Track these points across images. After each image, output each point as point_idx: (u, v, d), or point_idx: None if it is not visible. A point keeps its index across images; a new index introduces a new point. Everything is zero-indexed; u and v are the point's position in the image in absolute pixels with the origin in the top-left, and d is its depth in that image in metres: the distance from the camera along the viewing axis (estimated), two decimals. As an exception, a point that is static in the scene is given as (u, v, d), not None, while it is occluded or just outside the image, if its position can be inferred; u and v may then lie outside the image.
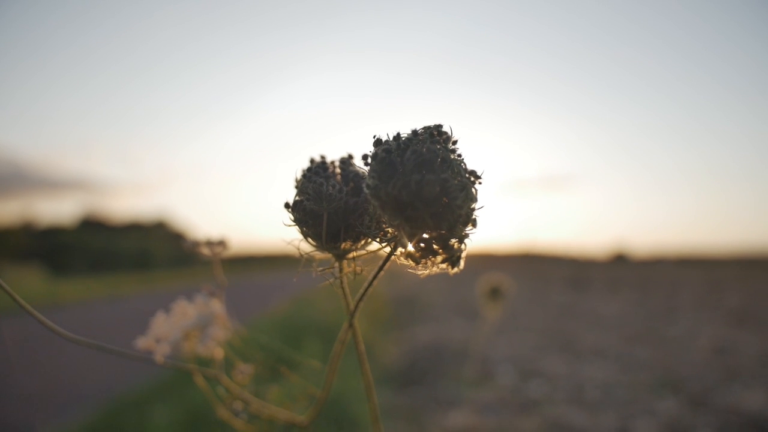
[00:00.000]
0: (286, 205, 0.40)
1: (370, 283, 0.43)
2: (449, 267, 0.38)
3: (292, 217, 0.39)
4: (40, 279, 19.88)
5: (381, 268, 0.41)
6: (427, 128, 0.37)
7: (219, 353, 0.48)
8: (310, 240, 0.41)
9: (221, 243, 0.53)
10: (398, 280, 13.10)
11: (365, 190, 0.37)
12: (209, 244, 0.53)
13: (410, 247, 0.37)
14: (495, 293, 0.85)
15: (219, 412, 0.52)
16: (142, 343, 0.45)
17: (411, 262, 0.38)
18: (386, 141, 0.37)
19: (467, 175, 0.37)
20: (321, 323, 5.50)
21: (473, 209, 0.37)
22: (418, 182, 0.35)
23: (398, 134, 0.37)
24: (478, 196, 0.38)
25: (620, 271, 21.36)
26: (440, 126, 0.38)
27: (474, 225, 0.37)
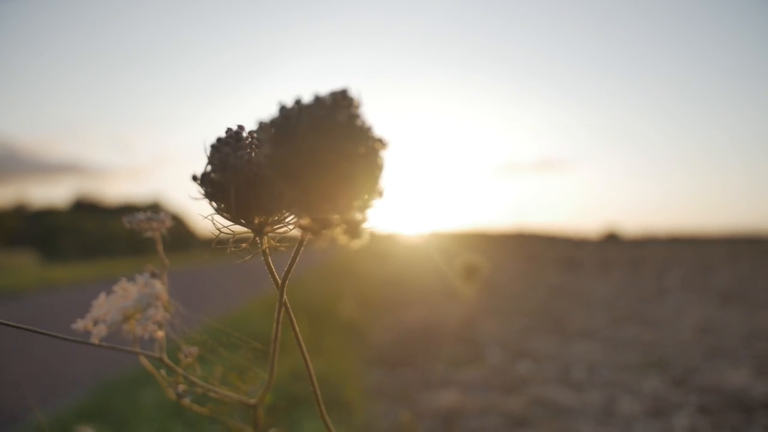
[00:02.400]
0: (194, 178, 0.38)
1: (293, 260, 0.42)
2: (349, 238, 0.36)
3: (201, 191, 0.37)
4: (33, 263, 19.80)
5: (301, 244, 0.39)
6: (332, 93, 0.36)
7: (160, 335, 0.47)
8: (223, 214, 0.39)
9: (162, 219, 0.51)
10: (388, 261, 13.13)
11: (261, 159, 0.36)
12: (150, 220, 0.51)
13: (307, 219, 0.36)
14: (470, 273, 0.84)
15: (168, 393, 0.51)
16: (80, 324, 0.43)
17: (309, 233, 0.37)
18: (287, 107, 0.35)
19: (372, 143, 0.36)
20: (310, 305, 5.50)
21: (377, 178, 0.36)
22: (312, 149, 0.33)
23: (299, 99, 0.35)
24: (383, 164, 0.36)
25: (612, 251, 21.49)
26: (345, 91, 0.36)
27: (379, 195, 0.36)
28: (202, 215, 0.38)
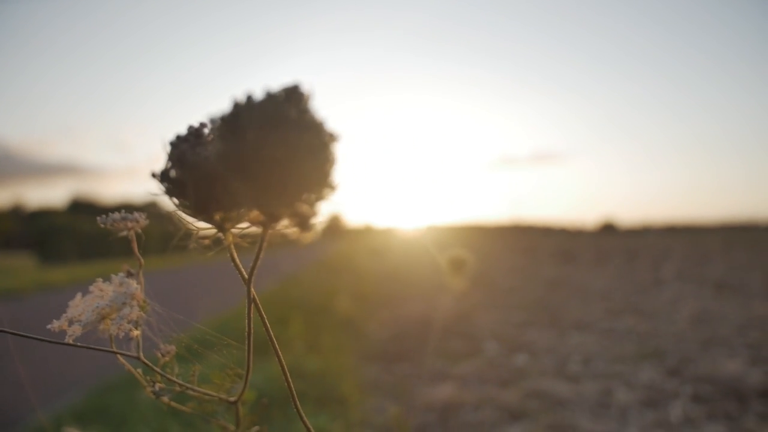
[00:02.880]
0: (153, 175, 0.38)
1: (257, 256, 0.42)
2: (299, 231, 0.37)
3: (163, 188, 0.38)
4: (31, 265, 19.72)
5: (263, 240, 0.40)
6: (284, 89, 0.36)
7: (135, 333, 0.47)
8: (185, 211, 0.39)
9: (136, 219, 0.51)
10: (384, 256, 13.14)
11: (210, 155, 0.36)
12: (124, 219, 0.51)
13: (256, 212, 0.36)
14: (458, 267, 0.85)
15: (147, 392, 0.51)
16: (55, 325, 0.44)
17: (260, 227, 0.37)
18: (238, 103, 0.36)
19: (323, 137, 0.36)
20: (306, 302, 5.51)
21: (328, 172, 0.36)
22: (261, 144, 0.33)
23: (250, 95, 0.36)
24: (334, 159, 0.37)
25: (608, 243, 21.56)
26: (296, 86, 0.36)
27: (330, 188, 0.36)
28: (168, 212, 0.39)
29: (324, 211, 0.36)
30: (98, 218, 0.49)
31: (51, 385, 3.89)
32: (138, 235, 0.52)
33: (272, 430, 2.31)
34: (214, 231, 0.39)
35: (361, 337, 4.34)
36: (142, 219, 0.52)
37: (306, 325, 4.44)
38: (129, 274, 0.51)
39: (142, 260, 0.54)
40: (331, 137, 0.36)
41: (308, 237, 0.37)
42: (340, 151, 0.36)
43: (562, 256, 14.03)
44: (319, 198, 0.35)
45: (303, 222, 0.35)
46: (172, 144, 0.38)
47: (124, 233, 0.51)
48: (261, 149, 0.33)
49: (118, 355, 0.49)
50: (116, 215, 0.51)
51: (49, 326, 0.44)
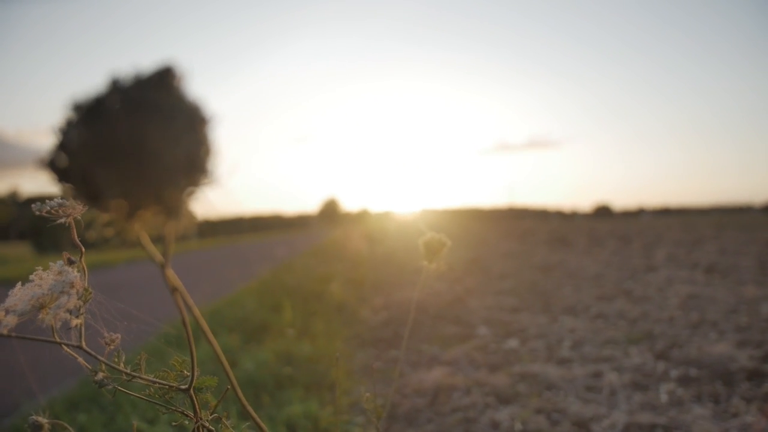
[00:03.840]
0: (40, 163, 0.36)
1: (168, 246, 0.40)
2: (166, 218, 0.35)
3: (54, 176, 0.36)
4: (29, 253, 19.67)
5: (172, 228, 0.38)
6: (155, 71, 0.34)
7: (76, 322, 0.46)
8: (80, 200, 0.38)
9: (73, 206, 0.50)
10: (379, 243, 13.13)
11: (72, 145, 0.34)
12: (60, 206, 0.50)
13: (120, 201, 0.35)
14: (434, 251, 0.84)
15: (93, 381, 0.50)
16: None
17: (125, 217, 0.36)
18: (102, 89, 0.34)
19: (196, 123, 0.35)
20: (300, 289, 5.51)
21: (198, 158, 0.35)
22: (123, 128, 0.32)
23: (116, 79, 0.34)
24: (207, 144, 0.35)
25: (601, 227, 21.62)
26: (168, 68, 0.35)
27: (203, 175, 0.35)
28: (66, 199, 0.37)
29: (199, 198, 0.35)
30: (33, 206, 0.47)
31: (44, 375, 3.89)
32: (78, 222, 0.51)
33: (261, 415, 2.31)
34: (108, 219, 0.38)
35: (354, 322, 4.35)
36: (80, 206, 0.50)
37: (299, 311, 4.45)
38: (69, 262, 0.50)
39: (83, 248, 0.53)
40: (204, 122, 0.34)
41: (180, 226, 0.36)
42: (214, 136, 0.35)
43: (556, 241, 14.06)
44: (190, 186, 0.34)
45: (170, 211, 0.34)
46: (60, 131, 0.36)
47: (62, 221, 0.49)
48: (125, 136, 0.32)
49: (62, 345, 0.47)
50: (53, 202, 0.49)
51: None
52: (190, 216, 0.34)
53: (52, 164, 0.35)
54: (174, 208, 0.33)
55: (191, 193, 0.34)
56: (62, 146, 0.35)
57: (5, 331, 0.44)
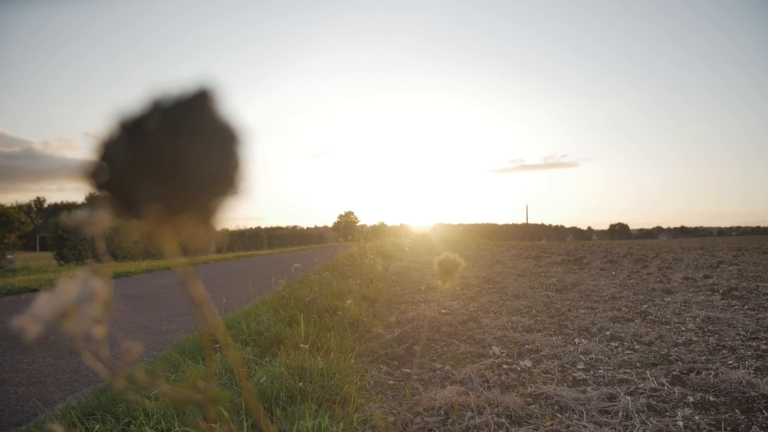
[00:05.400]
0: (85, 175, 0.39)
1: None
2: (198, 223, 0.38)
3: (95, 186, 0.38)
4: (55, 263, 19.97)
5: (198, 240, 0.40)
6: (194, 92, 0.36)
7: (99, 331, 0.47)
8: (118, 207, 0.40)
9: (100, 218, 0.52)
10: (394, 260, 13.11)
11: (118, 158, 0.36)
12: (89, 218, 0.52)
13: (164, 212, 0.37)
14: (449, 271, 0.85)
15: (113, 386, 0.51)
16: (17, 322, 0.44)
17: (163, 222, 0.38)
18: (140, 105, 0.37)
19: (222, 138, 0.37)
20: (314, 304, 5.52)
21: (227, 170, 0.37)
22: (163, 143, 0.34)
23: (158, 99, 0.36)
24: (237, 158, 0.38)
25: (619, 247, 21.35)
26: (204, 90, 0.37)
27: (231, 185, 0.37)
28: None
29: (229, 207, 0.38)
30: (61, 216, 0.49)
31: (61, 384, 3.94)
32: (107, 233, 0.53)
33: (273, 430, 2.31)
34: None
35: (368, 338, 4.34)
36: (106, 219, 0.52)
37: (313, 326, 4.45)
38: (94, 272, 0.52)
39: (107, 259, 0.55)
40: (233, 140, 0.37)
41: (211, 232, 0.38)
42: (243, 151, 0.38)
43: (572, 261, 13.92)
44: (220, 195, 0.37)
45: (202, 216, 0.36)
46: (102, 144, 0.39)
47: (90, 233, 0.52)
48: (164, 152, 0.34)
49: (80, 351, 0.49)
50: (81, 213, 0.51)
51: (11, 323, 0.45)
52: (220, 222, 0.37)
53: (93, 175, 0.37)
54: (205, 214, 0.36)
55: (221, 202, 0.37)
56: (105, 159, 0.37)
57: (32, 338, 0.46)
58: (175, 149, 0.34)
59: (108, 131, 0.37)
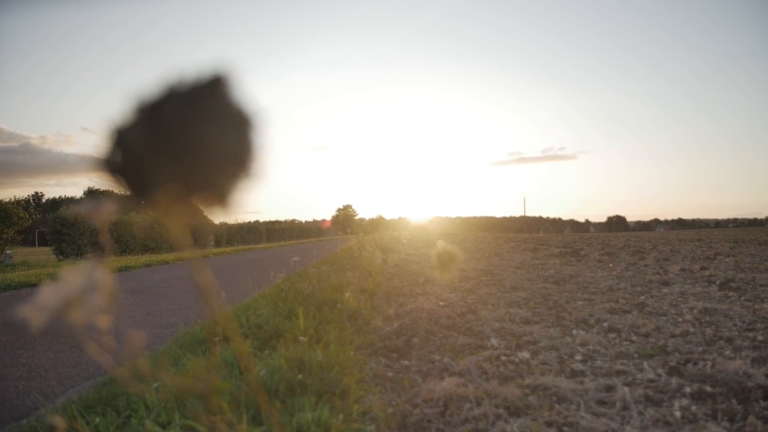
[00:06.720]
0: (97, 163, 0.39)
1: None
2: (214, 203, 0.39)
3: (109, 171, 0.39)
4: (55, 258, 19.95)
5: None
6: (209, 78, 0.37)
7: (103, 321, 0.48)
8: (133, 191, 0.41)
9: (105, 209, 0.53)
10: (392, 252, 13.13)
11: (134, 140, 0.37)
12: (91, 212, 0.52)
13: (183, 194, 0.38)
14: (445, 263, 0.86)
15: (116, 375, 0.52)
16: (21, 312, 0.45)
17: (180, 202, 0.39)
18: (156, 88, 0.38)
19: (235, 122, 0.38)
20: (313, 296, 5.53)
21: (240, 153, 0.38)
22: (180, 126, 0.35)
23: (173, 85, 0.37)
24: (251, 141, 0.39)
25: (616, 239, 21.40)
26: (219, 76, 0.38)
27: (243, 167, 0.38)
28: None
29: (244, 188, 0.39)
30: (60, 210, 0.50)
31: (61, 377, 3.95)
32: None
33: (273, 422, 2.33)
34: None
35: (366, 331, 4.36)
36: (111, 210, 0.53)
37: (312, 319, 4.47)
38: (98, 263, 0.53)
39: (114, 249, 0.55)
40: (246, 123, 0.38)
41: (226, 210, 0.39)
42: (256, 135, 0.39)
43: (570, 253, 13.96)
44: (233, 177, 0.38)
45: (218, 196, 0.37)
46: (117, 129, 0.39)
47: (94, 224, 0.52)
48: (179, 136, 0.35)
49: (81, 345, 0.50)
50: (86, 206, 0.52)
51: (17, 313, 0.45)
52: (235, 202, 0.38)
53: (108, 161, 0.38)
54: (220, 194, 0.37)
55: (235, 183, 0.38)
56: (119, 144, 0.38)
57: (36, 328, 0.46)
58: (190, 132, 0.35)
59: (121, 117, 0.38)
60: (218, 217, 0.40)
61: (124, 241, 20.63)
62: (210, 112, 0.35)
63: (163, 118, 0.36)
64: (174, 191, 0.37)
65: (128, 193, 0.39)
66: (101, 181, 0.39)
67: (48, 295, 0.46)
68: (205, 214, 0.40)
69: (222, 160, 0.36)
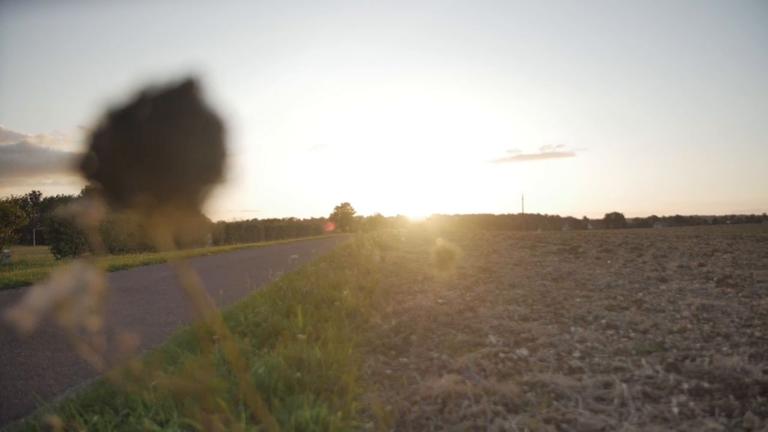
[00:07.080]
0: (74, 166, 0.39)
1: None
2: (186, 212, 0.38)
3: (84, 177, 0.38)
4: (52, 257, 19.91)
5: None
6: (181, 82, 0.36)
7: (94, 321, 0.48)
8: (108, 197, 0.40)
9: (94, 210, 0.52)
10: (390, 250, 13.14)
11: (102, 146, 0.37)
12: (82, 212, 0.52)
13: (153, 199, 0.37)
14: (444, 260, 0.85)
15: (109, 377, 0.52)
16: (11, 314, 0.44)
17: (150, 211, 0.38)
18: (126, 94, 0.37)
19: (208, 127, 0.37)
20: (312, 294, 5.53)
21: (214, 159, 0.37)
22: (151, 132, 0.34)
23: (145, 89, 0.36)
24: (225, 147, 0.38)
25: (614, 236, 21.43)
26: (191, 79, 0.37)
27: (217, 173, 0.37)
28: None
29: (219, 196, 0.38)
30: (56, 209, 0.50)
31: (60, 376, 3.94)
32: (103, 226, 0.53)
33: (268, 422, 2.32)
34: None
35: (365, 329, 4.35)
36: (100, 211, 0.52)
37: (310, 316, 4.47)
38: (89, 264, 0.52)
39: (102, 251, 0.55)
40: (219, 129, 0.37)
41: (199, 221, 0.38)
42: (229, 141, 0.38)
43: (568, 250, 13.97)
44: (207, 183, 0.37)
45: (190, 204, 0.36)
46: (91, 134, 0.39)
47: (85, 224, 0.52)
48: (152, 141, 0.34)
49: (77, 344, 0.50)
50: (76, 206, 0.51)
51: (6, 315, 0.45)
52: (209, 211, 0.37)
53: (83, 166, 0.37)
54: (194, 202, 0.36)
55: (209, 190, 0.36)
56: (94, 149, 0.37)
57: (27, 329, 0.46)
58: (162, 138, 0.34)
59: (96, 121, 0.37)
60: (216, 216, 0.39)
61: (121, 240, 20.60)
62: (180, 117, 0.35)
63: (133, 123, 0.35)
64: (145, 200, 0.36)
65: (103, 198, 0.39)
66: (77, 185, 0.39)
67: (42, 294, 0.46)
68: (203, 212, 0.39)
69: (194, 166, 0.35)
